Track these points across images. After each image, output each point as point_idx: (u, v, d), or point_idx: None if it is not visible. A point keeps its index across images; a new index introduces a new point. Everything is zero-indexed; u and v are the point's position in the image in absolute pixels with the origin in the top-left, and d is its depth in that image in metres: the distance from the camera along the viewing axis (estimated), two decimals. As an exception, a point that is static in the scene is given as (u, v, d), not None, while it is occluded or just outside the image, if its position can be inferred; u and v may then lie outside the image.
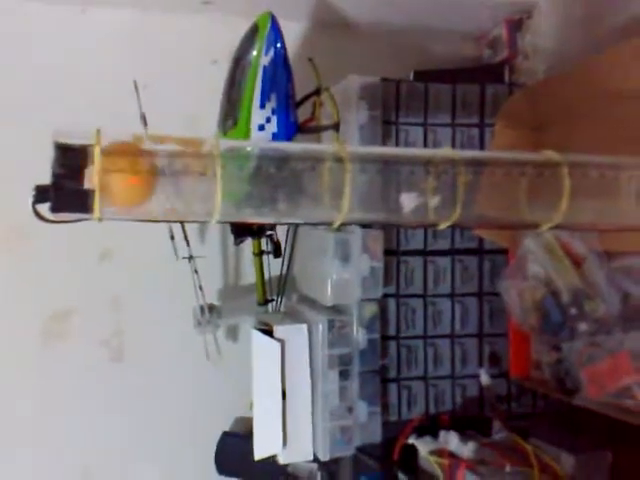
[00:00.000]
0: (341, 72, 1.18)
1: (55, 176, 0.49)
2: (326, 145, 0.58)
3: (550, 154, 0.60)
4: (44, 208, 0.53)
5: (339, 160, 0.56)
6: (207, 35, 1.42)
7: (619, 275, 0.90)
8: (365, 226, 1.00)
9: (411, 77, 1.35)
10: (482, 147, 1.19)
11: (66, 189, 0.48)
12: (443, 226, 0.60)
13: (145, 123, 1.06)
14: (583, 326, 0.95)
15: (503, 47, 1.38)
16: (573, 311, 0.96)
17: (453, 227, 0.59)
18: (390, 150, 0.60)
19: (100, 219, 0.48)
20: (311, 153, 0.58)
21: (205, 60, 1.43)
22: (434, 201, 0.58)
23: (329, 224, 0.59)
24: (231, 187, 0.57)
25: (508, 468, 0.99)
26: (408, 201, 0.57)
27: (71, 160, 0.49)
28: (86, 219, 0.49)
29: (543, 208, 0.60)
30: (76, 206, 0.48)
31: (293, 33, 1.42)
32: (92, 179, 0.49)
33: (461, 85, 1.20)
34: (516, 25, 1.34)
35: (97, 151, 0.47)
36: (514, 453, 1.06)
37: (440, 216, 0.59)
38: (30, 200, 0.52)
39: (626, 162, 0.62)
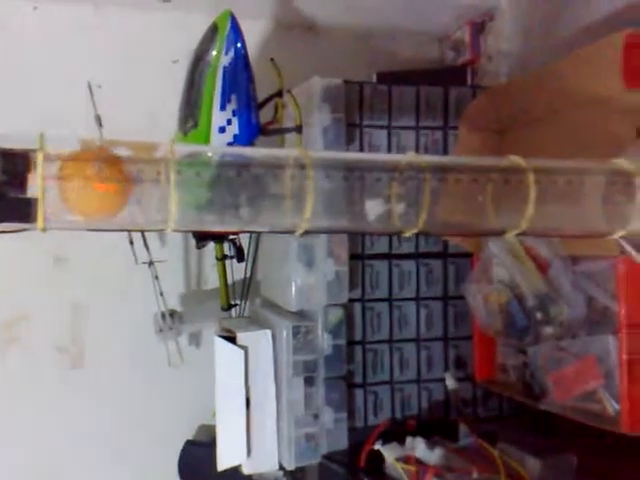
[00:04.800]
0: (304, 74, 1.16)
1: (-4, 184, 0.45)
2: (287, 150, 0.55)
3: (515, 159, 0.59)
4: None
5: (301, 166, 0.54)
6: (167, 34, 1.39)
7: (584, 279, 0.90)
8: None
9: (374, 79, 1.35)
10: (446, 150, 1.19)
11: (8, 198, 0.45)
12: (409, 233, 0.58)
13: (100, 124, 1.03)
14: (548, 330, 0.95)
15: (466, 49, 1.38)
16: (538, 315, 0.95)
17: (418, 234, 0.57)
18: (354, 155, 0.58)
19: (44, 229, 0.45)
20: (272, 158, 0.56)
21: (166, 59, 1.39)
22: (399, 208, 0.56)
23: (291, 232, 0.57)
24: (189, 194, 0.55)
25: (475, 474, 0.98)
26: (373, 208, 0.55)
27: (14, 166, 0.46)
28: (29, 229, 0.46)
29: (509, 215, 0.58)
30: (19, 215, 0.45)
31: (255, 33, 1.39)
32: (41, 185, 0.46)
33: (424, 87, 1.19)
34: (479, 28, 1.34)
35: (40, 157, 0.44)
36: (481, 458, 1.06)
37: (405, 223, 0.57)
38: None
39: (591, 167, 0.61)
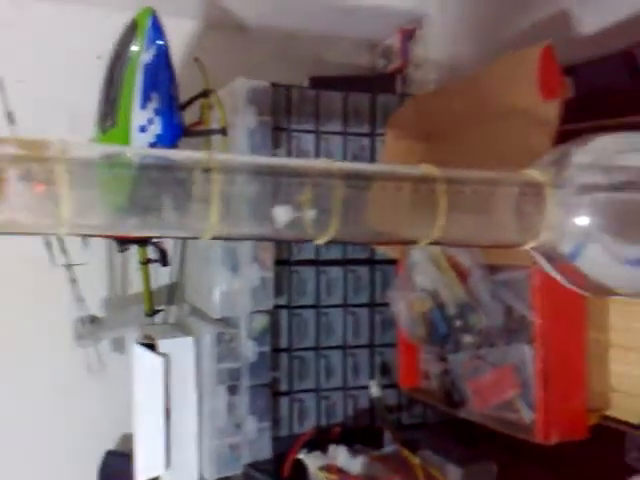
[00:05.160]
0: (235, 75, 1.14)
1: None
2: (194, 153, 0.53)
3: (427, 168, 0.58)
4: None
5: (207, 170, 0.52)
6: (90, 29, 1.34)
7: (502, 289, 0.91)
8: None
9: (307, 83, 1.33)
10: (373, 157, 1.18)
11: None
12: (321, 241, 0.57)
13: (11, 122, 0.98)
14: (468, 339, 0.95)
15: (396, 57, 1.38)
16: (458, 323, 0.96)
17: (332, 243, 0.55)
18: (265, 160, 0.56)
19: None
20: (178, 162, 0.53)
21: (89, 55, 1.34)
22: (310, 215, 0.54)
23: (197, 238, 0.55)
24: (99, 195, 0.52)
25: (395, 483, 0.97)
26: (281, 215, 0.53)
27: None
28: None
29: (421, 224, 0.58)
30: None
31: (182, 32, 1.36)
32: None
33: (352, 93, 1.18)
34: (408, 35, 1.35)
35: None
36: (402, 466, 1.05)
37: (317, 231, 0.55)
38: None
39: (502, 178, 0.61)
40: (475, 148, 0.96)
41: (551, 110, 0.75)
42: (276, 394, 1.20)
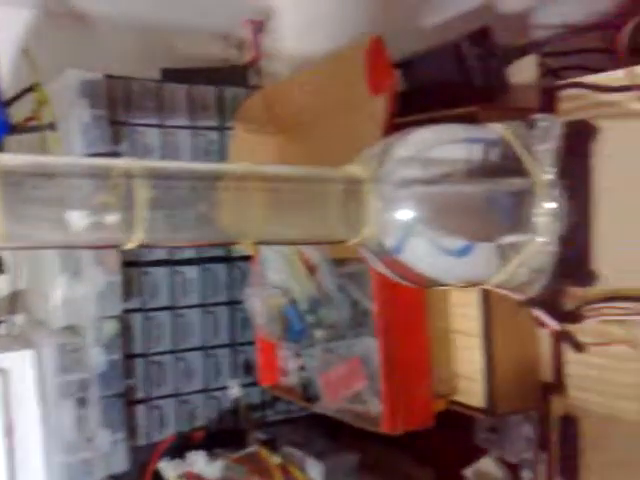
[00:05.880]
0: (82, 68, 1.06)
1: None
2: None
3: (246, 166, 0.56)
4: None
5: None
6: None
7: (348, 282, 0.91)
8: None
9: (159, 75, 1.27)
10: (223, 151, 1.15)
11: None
12: (130, 247, 0.53)
13: None
14: (320, 333, 0.95)
15: (248, 49, 1.35)
16: (310, 319, 0.95)
17: (143, 247, 0.52)
18: (53, 160, 0.51)
19: None
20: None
21: None
22: (112, 219, 0.50)
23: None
24: None
25: (252, 485, 0.96)
26: (76, 219, 0.49)
27: None
28: None
29: (241, 223, 0.55)
30: None
31: (13, 21, 1.25)
32: None
33: (197, 86, 1.14)
34: (258, 27, 1.32)
35: None
36: (263, 466, 1.04)
37: (121, 236, 0.51)
38: None
39: (325, 174, 0.60)
40: (321, 142, 0.95)
41: (380, 104, 0.75)
42: (132, 402, 1.14)
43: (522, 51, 0.86)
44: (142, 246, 0.53)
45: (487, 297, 0.81)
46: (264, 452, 1.03)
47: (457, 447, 1.05)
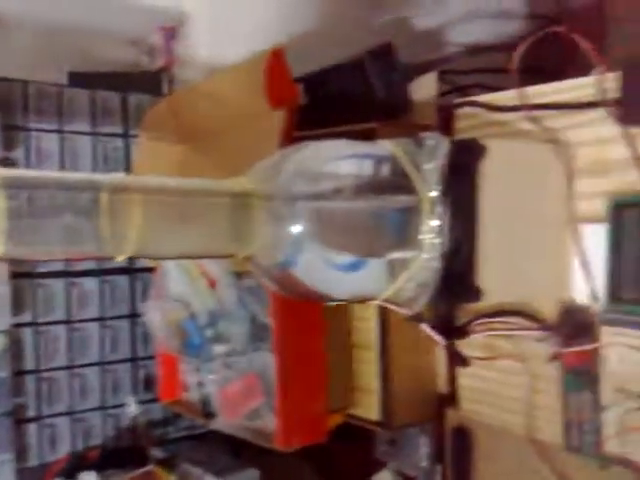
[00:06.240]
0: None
1: None
2: None
3: (120, 178, 0.53)
4: None
5: None
6: None
7: (247, 295, 0.90)
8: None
9: (65, 79, 1.23)
10: (128, 159, 1.12)
11: None
12: (-2, 257, 0.50)
13: None
14: (219, 348, 0.93)
15: (160, 55, 1.32)
16: (209, 333, 0.93)
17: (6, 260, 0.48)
18: None
19: None
20: None
21: None
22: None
23: None
24: None
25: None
26: None
27: None
28: None
29: (117, 236, 0.53)
30: None
31: None
32: None
33: (100, 92, 1.10)
34: (170, 33, 1.30)
35: None
36: (159, 486, 1.01)
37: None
38: None
39: (215, 187, 0.59)
40: (224, 153, 0.93)
41: (279, 117, 0.75)
42: (22, 421, 1.08)
43: (424, 68, 0.87)
44: (2, 259, 0.50)
45: (384, 311, 0.81)
46: (160, 471, 1.00)
47: (358, 460, 1.05)
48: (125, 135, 1.13)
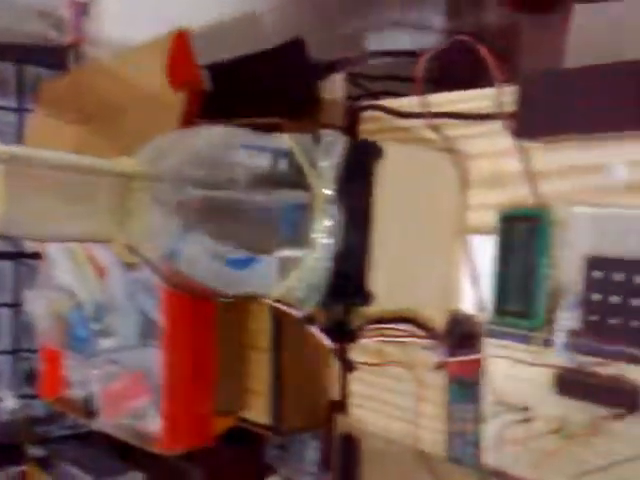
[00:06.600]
0: None
1: None
2: None
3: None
4: None
5: None
6: None
7: (138, 288, 0.85)
8: None
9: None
10: (21, 134, 1.04)
11: None
12: None
13: None
14: (105, 342, 0.88)
15: (69, 30, 1.25)
16: (95, 326, 0.87)
17: None
18: None
19: None
20: None
21: None
22: None
23: None
24: None
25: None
26: None
27: None
28: None
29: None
30: None
31: None
32: None
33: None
34: (81, 9, 1.23)
35: None
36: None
37: None
38: None
39: (94, 165, 0.54)
40: (123, 135, 0.88)
41: (179, 100, 0.71)
42: None
43: (334, 68, 0.86)
44: None
45: (278, 312, 0.79)
46: (34, 470, 0.93)
47: (248, 465, 1.02)
48: (20, 109, 1.05)
